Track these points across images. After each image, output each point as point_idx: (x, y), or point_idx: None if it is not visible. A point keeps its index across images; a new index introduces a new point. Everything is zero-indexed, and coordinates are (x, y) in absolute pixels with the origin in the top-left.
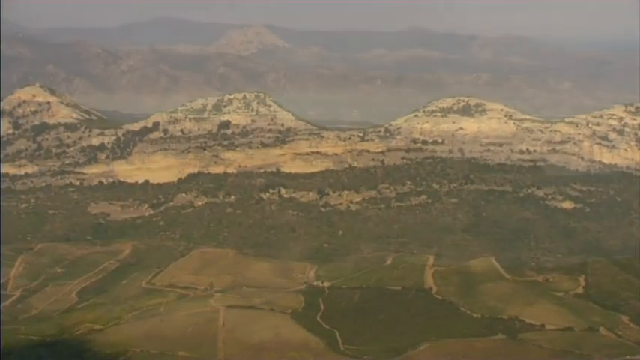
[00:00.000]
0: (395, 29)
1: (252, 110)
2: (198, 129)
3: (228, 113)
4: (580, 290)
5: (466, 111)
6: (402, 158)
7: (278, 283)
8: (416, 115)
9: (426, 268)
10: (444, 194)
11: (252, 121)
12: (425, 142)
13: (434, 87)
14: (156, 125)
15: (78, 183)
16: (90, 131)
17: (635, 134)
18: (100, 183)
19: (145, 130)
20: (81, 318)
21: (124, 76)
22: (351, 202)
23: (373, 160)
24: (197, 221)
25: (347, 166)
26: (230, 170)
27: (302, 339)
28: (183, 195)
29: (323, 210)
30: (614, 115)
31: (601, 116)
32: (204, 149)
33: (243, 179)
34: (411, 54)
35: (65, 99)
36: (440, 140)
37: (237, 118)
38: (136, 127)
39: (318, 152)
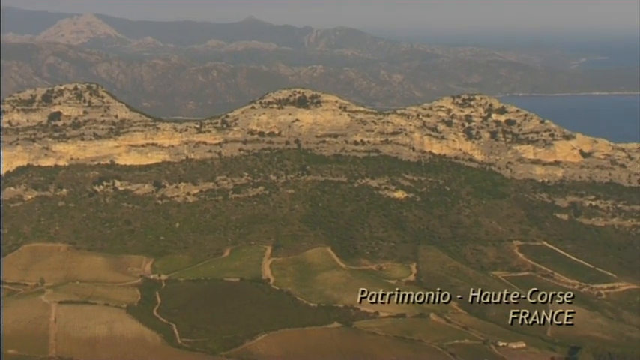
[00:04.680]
0: (230, 20)
1: (85, 101)
2: (27, 120)
3: (59, 104)
4: (412, 277)
5: (302, 102)
6: (239, 150)
7: (113, 277)
8: (252, 107)
9: (264, 259)
10: (281, 185)
11: (85, 112)
12: (262, 134)
13: (270, 78)
14: None
15: None
16: None
17: (463, 125)
18: None
19: None
20: None
21: None
22: (188, 194)
23: (210, 151)
24: (27, 215)
25: (184, 157)
26: (62, 163)
27: (137, 333)
28: (12, 188)
29: (159, 202)
30: (442, 106)
31: (431, 108)
32: (34, 141)
33: (76, 172)
34: (246, 45)
35: None
36: (276, 132)
37: (69, 109)
38: None
39: (153, 144)
